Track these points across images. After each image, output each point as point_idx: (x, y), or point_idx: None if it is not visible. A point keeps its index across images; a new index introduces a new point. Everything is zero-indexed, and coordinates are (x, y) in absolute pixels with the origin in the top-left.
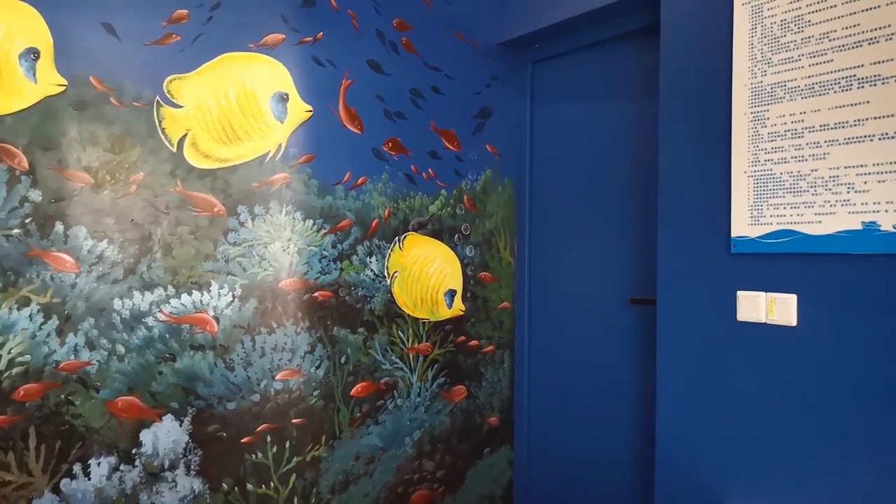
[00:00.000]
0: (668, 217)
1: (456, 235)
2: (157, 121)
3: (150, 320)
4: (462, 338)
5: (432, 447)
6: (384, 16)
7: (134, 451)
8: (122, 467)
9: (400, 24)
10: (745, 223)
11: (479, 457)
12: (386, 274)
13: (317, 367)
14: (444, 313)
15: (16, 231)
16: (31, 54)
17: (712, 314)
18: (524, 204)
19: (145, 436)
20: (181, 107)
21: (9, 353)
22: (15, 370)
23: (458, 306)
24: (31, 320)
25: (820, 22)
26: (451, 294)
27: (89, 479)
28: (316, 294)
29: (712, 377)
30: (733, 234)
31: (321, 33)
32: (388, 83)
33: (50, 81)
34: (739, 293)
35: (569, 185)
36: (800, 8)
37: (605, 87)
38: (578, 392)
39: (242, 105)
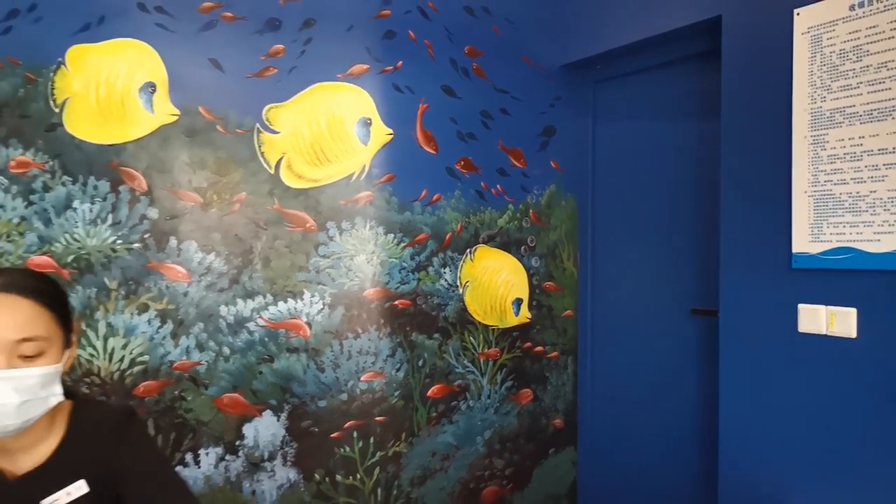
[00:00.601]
0: (731, 233)
1: (522, 247)
2: (257, 146)
3: (251, 325)
4: (528, 344)
5: (501, 446)
6: (456, 44)
7: (238, 442)
8: (227, 457)
9: (471, 51)
10: (805, 240)
11: (545, 457)
12: (458, 284)
13: (397, 370)
14: (512, 320)
15: (136, 245)
16: (150, 88)
17: (774, 326)
18: (587, 217)
19: (247, 429)
20: (278, 133)
21: (131, 353)
22: (136, 368)
23: (525, 314)
24: (149, 324)
25: (878, 52)
26: (518, 302)
27: (199, 468)
28: (396, 302)
29: (774, 385)
30: (794, 250)
31: (400, 62)
32: (460, 106)
33: (165, 112)
34: (800, 306)
35: (630, 199)
36: (858, 38)
37: (666, 107)
38: (640, 398)
39: (331, 130)
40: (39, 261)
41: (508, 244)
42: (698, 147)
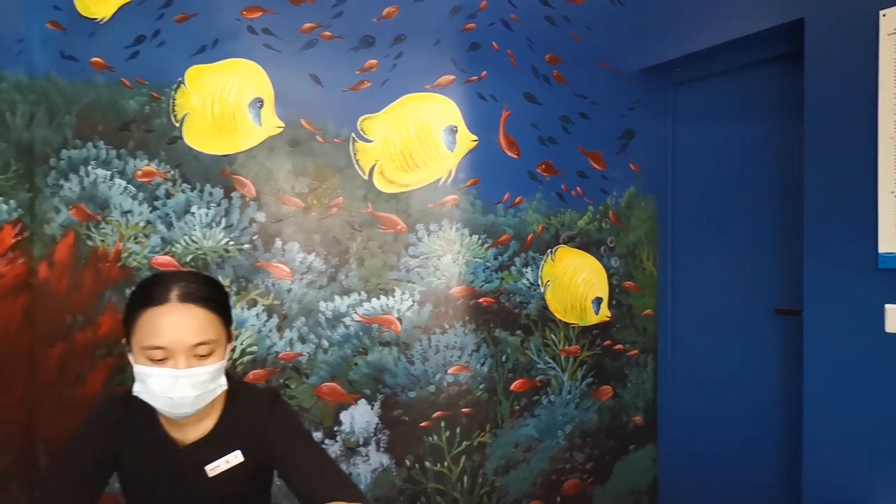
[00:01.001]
0: (814, 233)
1: (602, 248)
2: (352, 154)
3: (347, 320)
4: (608, 342)
5: (582, 440)
6: (537, 52)
7: (335, 428)
8: (326, 441)
9: (551, 59)
10: (892, 240)
11: (625, 452)
12: (540, 282)
13: (482, 364)
14: (592, 319)
15: (246, 246)
16: (258, 103)
17: (860, 326)
18: (666, 218)
19: (344, 416)
20: (371, 141)
21: (241, 344)
22: (246, 358)
23: (605, 313)
24: (257, 318)
25: None
26: (598, 301)
27: None
28: (480, 300)
29: (860, 386)
30: (880, 250)
31: (485, 72)
32: (540, 112)
33: (271, 124)
34: (887, 306)
35: (711, 199)
36: None
37: (746, 109)
38: (721, 397)
39: (420, 138)
40: (162, 260)
41: (588, 245)
42: (779, 148)
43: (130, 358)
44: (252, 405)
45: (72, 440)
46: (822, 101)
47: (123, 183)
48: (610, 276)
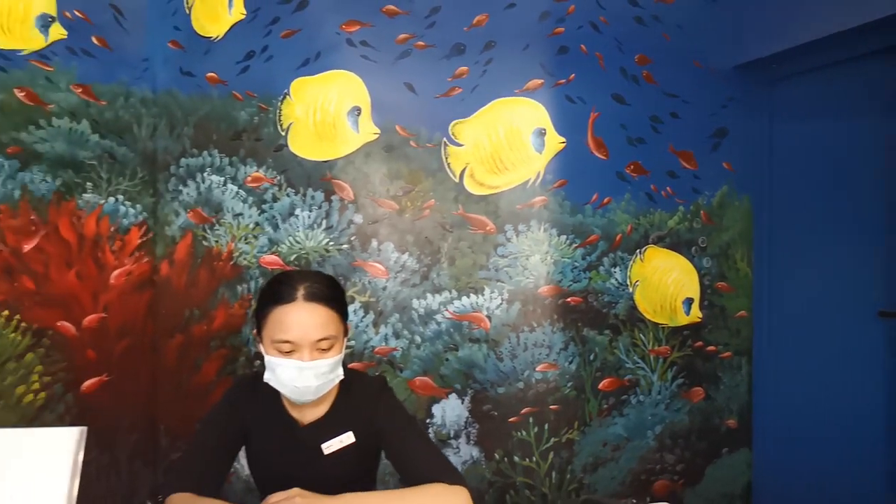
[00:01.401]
0: None
1: (693, 248)
2: (444, 158)
3: (438, 317)
4: (699, 343)
5: (672, 442)
6: (627, 53)
7: (428, 420)
8: None
9: (641, 59)
10: None
11: (718, 456)
12: (628, 283)
13: (570, 363)
14: (682, 319)
15: (345, 246)
16: (356, 111)
17: None
18: (762, 217)
19: (436, 409)
20: (462, 145)
21: None
22: (345, 352)
23: (696, 313)
24: (355, 314)
25: None
26: (689, 302)
27: None
28: (568, 299)
29: None
30: None
31: (573, 75)
32: (629, 112)
33: (368, 131)
34: None
35: (810, 198)
36: None
37: (850, 104)
38: (820, 402)
39: (509, 141)
40: (269, 259)
41: (679, 245)
42: (883, 145)
43: (261, 348)
44: (363, 391)
45: (208, 417)
46: None
47: (235, 188)
48: (701, 277)
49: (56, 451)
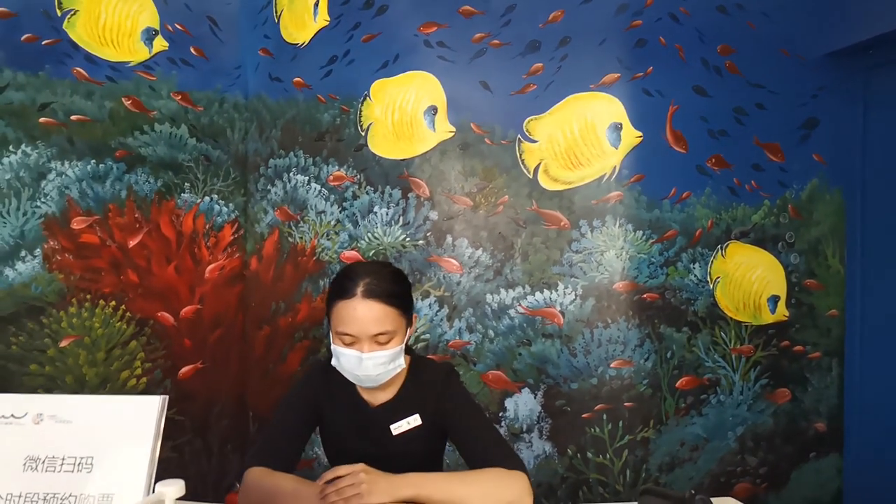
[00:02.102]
0: None
1: (780, 244)
2: (518, 154)
3: (511, 312)
4: (786, 342)
5: (755, 444)
6: (708, 44)
7: (501, 413)
8: None
9: (724, 49)
10: None
11: (805, 460)
12: (709, 279)
13: (645, 360)
14: (767, 318)
15: (420, 242)
16: (432, 110)
17: None
18: (856, 212)
19: (508, 403)
20: (536, 141)
21: (416, 331)
22: (420, 345)
23: (782, 312)
24: (430, 308)
25: None
26: (775, 300)
27: None
28: (644, 295)
29: None
30: None
31: (651, 68)
32: (711, 105)
33: (444, 129)
34: None
35: None
36: None
37: None
38: None
39: (584, 136)
40: (350, 255)
41: (763, 240)
42: None
43: (331, 335)
44: (431, 376)
45: (286, 399)
46: None
47: (318, 187)
48: (788, 274)
49: (141, 417)
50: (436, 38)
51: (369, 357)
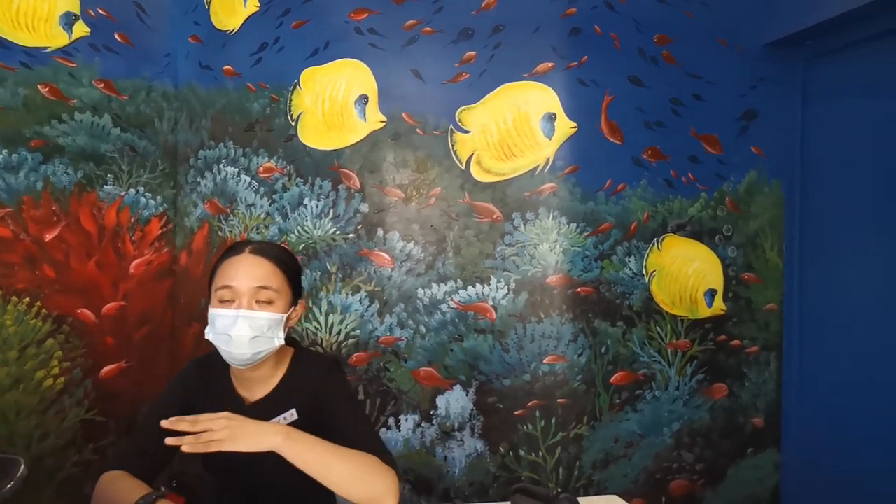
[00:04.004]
0: None
1: (717, 237)
2: (450, 145)
3: (444, 307)
4: (723, 337)
5: (691, 440)
6: (645, 33)
7: (432, 412)
8: (423, 424)
9: (660, 39)
10: None
11: (742, 456)
12: (644, 273)
13: (579, 355)
14: (704, 312)
15: (351, 235)
16: (363, 100)
17: None
18: (794, 205)
19: (440, 400)
20: (469, 132)
21: (346, 328)
22: (350, 341)
23: (719, 306)
24: (360, 303)
25: None
26: (711, 294)
27: (400, 431)
28: (578, 289)
29: None
30: None
31: (586, 57)
32: (647, 95)
33: (375, 119)
34: None
35: (847, 183)
36: None
37: (889, 82)
38: (855, 401)
39: (517, 127)
40: None
41: (700, 233)
42: None
43: (209, 310)
44: (312, 369)
45: (156, 400)
46: None
47: (248, 179)
48: (726, 267)
49: None
50: (367, 25)
51: (247, 315)
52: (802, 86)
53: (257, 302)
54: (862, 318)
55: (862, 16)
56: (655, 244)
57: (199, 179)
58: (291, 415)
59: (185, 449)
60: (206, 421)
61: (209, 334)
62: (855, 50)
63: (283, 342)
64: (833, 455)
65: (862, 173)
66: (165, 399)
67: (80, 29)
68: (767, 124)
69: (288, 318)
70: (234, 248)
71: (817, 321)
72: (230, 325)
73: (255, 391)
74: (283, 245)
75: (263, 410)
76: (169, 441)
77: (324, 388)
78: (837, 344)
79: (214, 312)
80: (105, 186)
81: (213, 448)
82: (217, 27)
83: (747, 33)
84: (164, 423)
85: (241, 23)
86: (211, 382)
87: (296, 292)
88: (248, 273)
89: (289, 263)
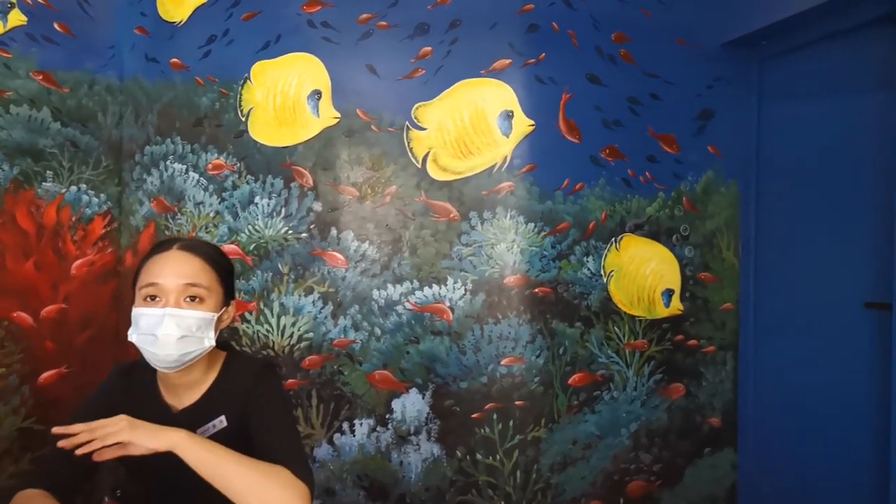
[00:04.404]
0: None
1: (674, 236)
2: (406, 142)
3: (399, 308)
4: (680, 336)
5: (649, 440)
6: (603, 31)
7: (387, 416)
8: (378, 428)
9: (618, 37)
10: None
11: (699, 456)
12: (602, 273)
13: (537, 356)
14: (662, 312)
15: (304, 235)
16: (316, 95)
17: None
18: (750, 204)
19: (396, 404)
20: (425, 129)
21: (299, 330)
22: (303, 344)
23: (676, 305)
24: (313, 305)
25: None
26: (669, 293)
27: (354, 436)
28: (536, 290)
29: None
30: None
31: (543, 54)
32: (605, 94)
33: (328, 115)
34: None
35: (800, 183)
36: None
37: (841, 82)
38: (809, 399)
39: (474, 124)
40: (228, 248)
41: (658, 233)
42: (877, 125)
43: (133, 310)
44: (243, 373)
45: (76, 410)
46: None
47: (196, 176)
48: (683, 267)
49: None
50: (320, 18)
51: (174, 313)
52: (758, 86)
53: (186, 300)
54: (816, 317)
55: (816, 16)
56: (613, 244)
57: (145, 176)
58: (221, 422)
59: (79, 452)
60: (102, 426)
61: (132, 336)
62: (809, 50)
63: (213, 344)
64: (788, 454)
65: (815, 173)
66: (83, 412)
67: (16, 17)
68: (724, 124)
69: (219, 319)
70: (161, 245)
71: (772, 320)
72: (156, 325)
73: (184, 398)
74: (212, 243)
75: (192, 418)
76: (62, 444)
77: (251, 393)
78: (792, 343)
79: (139, 311)
80: (44, 183)
81: (115, 452)
82: (164, 18)
83: (704, 33)
84: (60, 439)
85: (189, 14)
86: (136, 391)
87: (228, 292)
88: (175, 270)
89: (220, 261)
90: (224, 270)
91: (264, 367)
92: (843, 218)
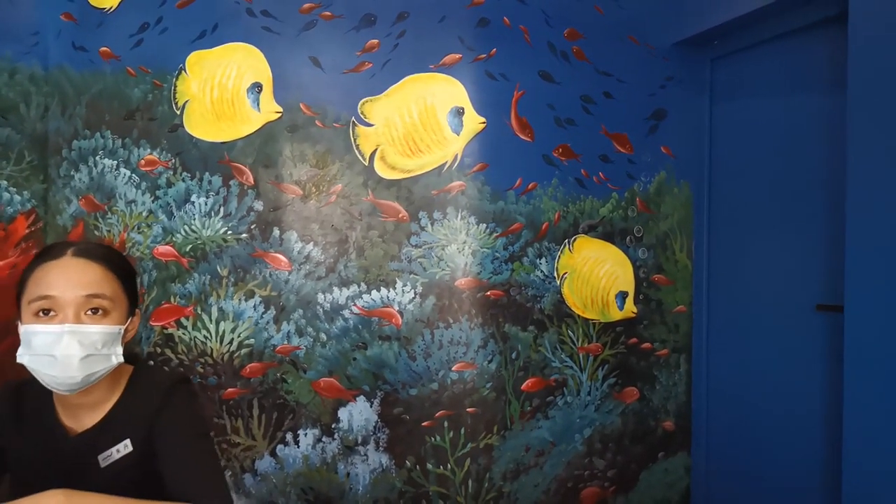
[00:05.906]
0: (860, 221)
1: (628, 238)
2: (352, 139)
3: (346, 313)
4: (634, 339)
5: (603, 446)
6: (555, 28)
7: (333, 425)
8: (324, 439)
9: (571, 34)
10: None
11: (654, 460)
12: (556, 275)
13: (489, 361)
14: (615, 315)
15: (244, 235)
16: (256, 88)
17: None
18: (702, 205)
19: (342, 413)
20: (372, 125)
21: (239, 336)
22: (243, 351)
23: (630, 308)
24: (255, 310)
25: None
26: (623, 296)
27: (298, 447)
28: (488, 293)
29: None
30: None
31: (494, 50)
32: (558, 91)
33: (270, 110)
34: None
35: (751, 185)
36: None
37: (792, 82)
38: (762, 401)
39: (423, 121)
40: (163, 250)
41: (612, 234)
42: (828, 125)
43: (20, 328)
44: (151, 389)
45: None
46: (867, 71)
47: (128, 172)
48: (637, 269)
49: None
50: (259, 7)
51: (74, 330)
52: (710, 85)
53: (87, 313)
54: (768, 319)
55: (767, 15)
56: (567, 245)
57: (72, 173)
58: (125, 446)
59: None
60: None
61: (23, 357)
62: (760, 49)
63: (121, 360)
64: (742, 456)
65: (767, 174)
66: None
67: None
68: (676, 124)
69: (126, 331)
70: (51, 251)
71: (725, 323)
72: (53, 344)
73: (84, 420)
74: (110, 245)
75: (91, 442)
76: None
77: (161, 411)
78: (745, 345)
79: (30, 329)
80: None
81: None
82: (92, 4)
83: (656, 32)
84: None
85: (119, 0)
86: (28, 412)
87: (132, 300)
88: (72, 279)
89: (121, 266)
90: (127, 276)
91: (175, 382)
92: (795, 219)
